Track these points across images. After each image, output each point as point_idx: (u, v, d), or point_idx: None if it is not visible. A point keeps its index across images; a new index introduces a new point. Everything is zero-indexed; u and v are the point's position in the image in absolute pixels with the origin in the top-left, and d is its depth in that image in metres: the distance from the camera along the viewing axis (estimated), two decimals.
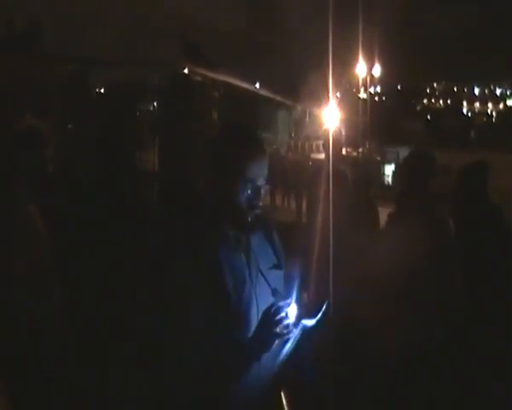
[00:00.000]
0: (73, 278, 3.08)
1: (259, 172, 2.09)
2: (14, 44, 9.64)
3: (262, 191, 2.08)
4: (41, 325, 2.80)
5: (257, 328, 2.01)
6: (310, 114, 28.21)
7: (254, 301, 2.07)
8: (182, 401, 2.05)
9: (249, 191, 2.07)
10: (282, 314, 1.95)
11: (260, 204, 2.08)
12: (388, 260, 2.84)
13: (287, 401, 2.13)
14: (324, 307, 1.99)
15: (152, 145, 8.63)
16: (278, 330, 1.96)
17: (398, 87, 29.59)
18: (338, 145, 4.65)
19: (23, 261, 2.80)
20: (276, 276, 2.16)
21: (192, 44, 12.24)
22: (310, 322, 1.99)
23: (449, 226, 3.10)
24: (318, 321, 1.98)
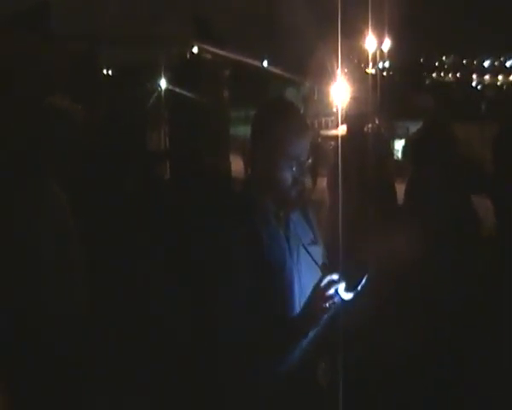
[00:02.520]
0: (100, 267, 3.07)
1: (304, 148, 2.10)
2: (26, 22, 9.60)
3: (305, 168, 2.08)
4: (66, 325, 2.78)
5: (306, 303, 2.00)
6: (318, 90, 27.98)
7: (296, 276, 2.07)
8: (228, 377, 2.04)
9: (294, 168, 2.07)
10: (332, 290, 1.94)
11: (305, 179, 2.09)
12: (407, 237, 2.85)
13: (324, 375, 2.13)
14: (364, 279, 1.98)
15: (162, 124, 8.62)
16: (328, 305, 1.95)
17: (407, 61, 29.33)
18: (359, 124, 4.62)
19: (48, 251, 2.78)
20: (316, 251, 2.17)
21: (202, 22, 12.16)
22: (347, 295, 1.97)
23: (470, 200, 3.08)
24: (356, 295, 1.97)
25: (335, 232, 2.06)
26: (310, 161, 2.16)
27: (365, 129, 5.16)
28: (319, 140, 16.65)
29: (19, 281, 2.69)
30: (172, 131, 8.05)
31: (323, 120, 25.72)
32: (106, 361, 3.00)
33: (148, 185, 4.38)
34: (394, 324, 3.15)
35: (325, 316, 2.01)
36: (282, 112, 2.16)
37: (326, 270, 2.10)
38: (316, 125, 25.12)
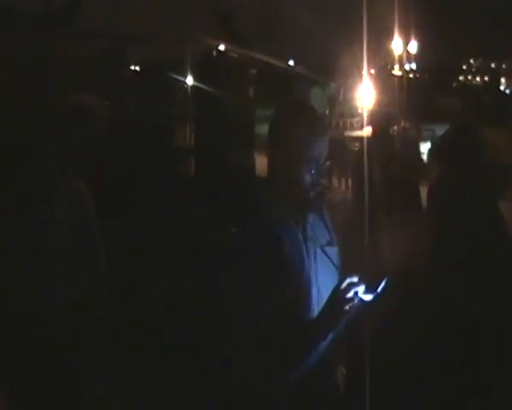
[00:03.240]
0: (124, 266, 3.07)
1: (322, 150, 2.09)
2: (53, 20, 9.70)
3: (324, 168, 2.07)
4: (85, 324, 2.78)
5: (326, 305, 1.99)
6: (344, 91, 27.87)
7: (314, 278, 2.06)
8: (245, 380, 2.02)
9: (313, 170, 2.06)
10: (352, 292, 1.93)
11: (324, 181, 2.08)
12: (429, 239, 2.83)
13: (343, 379, 2.11)
14: (384, 283, 1.96)
15: (188, 122, 8.65)
16: (348, 307, 1.93)
17: (434, 63, 29.07)
18: (384, 125, 4.60)
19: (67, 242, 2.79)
20: (332, 253, 2.15)
21: (227, 20, 12.19)
22: (367, 297, 1.95)
23: (496, 205, 3.06)
24: (376, 297, 1.95)
25: (357, 234, 2.05)
26: (328, 163, 2.15)
27: (391, 131, 5.12)
28: (344, 141, 16.58)
29: (43, 279, 2.70)
30: (198, 130, 8.07)
31: (348, 122, 25.61)
32: (120, 362, 3.00)
33: (173, 183, 4.39)
34: (415, 327, 3.13)
35: (344, 319, 1.99)
36: (300, 113, 2.15)
37: (344, 272, 2.09)
38: (341, 126, 25.02)
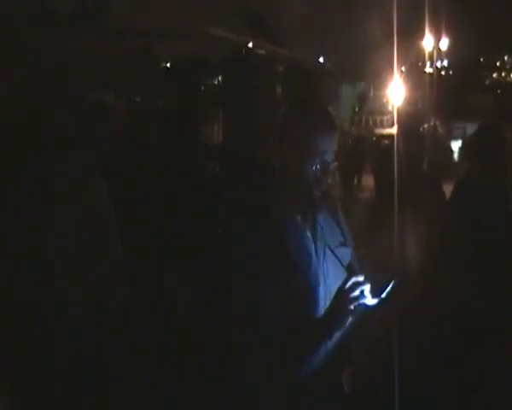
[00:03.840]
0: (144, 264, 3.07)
1: (328, 147, 2.06)
2: (84, 18, 9.80)
3: (330, 167, 2.05)
4: (103, 326, 2.77)
5: (331, 305, 1.98)
6: (374, 88, 27.74)
7: (322, 278, 2.04)
8: (251, 379, 2.02)
9: (318, 166, 2.04)
10: (357, 292, 1.91)
11: (329, 181, 2.05)
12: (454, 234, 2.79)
13: (348, 380, 2.10)
14: (391, 286, 1.93)
15: (216, 119, 8.67)
16: (353, 307, 1.92)
17: (466, 60, 28.73)
18: (415, 123, 4.54)
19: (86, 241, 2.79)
20: (344, 254, 2.13)
21: (256, 17, 12.18)
22: (373, 301, 1.94)
23: None
24: (382, 300, 1.93)
25: (381, 234, 2.02)
26: (335, 163, 2.12)
27: (421, 129, 5.05)
28: (374, 139, 16.48)
29: (63, 276, 2.71)
30: (226, 127, 8.08)
31: (378, 119, 25.47)
32: (120, 363, 2.99)
33: (199, 181, 4.39)
34: (432, 326, 3.09)
35: (350, 318, 1.98)
36: (306, 108, 2.14)
37: (352, 272, 2.07)
38: (371, 124, 24.89)
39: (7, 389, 2.42)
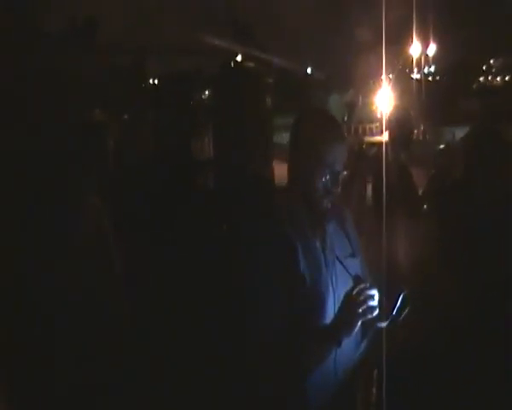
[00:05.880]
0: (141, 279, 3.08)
1: (338, 158, 2.09)
2: (74, 38, 9.81)
3: (340, 178, 2.06)
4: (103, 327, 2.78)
5: (339, 310, 2.00)
6: (362, 96, 27.78)
7: (331, 289, 2.06)
8: (261, 387, 2.03)
9: (327, 177, 2.06)
10: (365, 295, 1.93)
11: (338, 191, 2.07)
12: (445, 240, 2.80)
13: (363, 386, 2.10)
14: (400, 299, 1.94)
15: (206, 133, 8.67)
16: (361, 310, 1.94)
17: (453, 65, 28.88)
18: (406, 129, 4.57)
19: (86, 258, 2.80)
20: (353, 264, 2.15)
21: (244, 30, 12.23)
22: (383, 324, 1.94)
23: None
24: (394, 318, 1.93)
25: (375, 242, 2.03)
26: (345, 173, 2.14)
27: (411, 135, 5.09)
28: (363, 147, 16.54)
29: (60, 288, 2.71)
30: (216, 140, 8.08)
31: (367, 127, 25.53)
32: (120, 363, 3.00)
33: (191, 195, 4.40)
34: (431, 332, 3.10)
35: (358, 326, 1.99)
36: (317, 119, 2.16)
37: (359, 282, 2.07)
38: (360, 132, 24.93)
39: (7, 389, 2.42)
